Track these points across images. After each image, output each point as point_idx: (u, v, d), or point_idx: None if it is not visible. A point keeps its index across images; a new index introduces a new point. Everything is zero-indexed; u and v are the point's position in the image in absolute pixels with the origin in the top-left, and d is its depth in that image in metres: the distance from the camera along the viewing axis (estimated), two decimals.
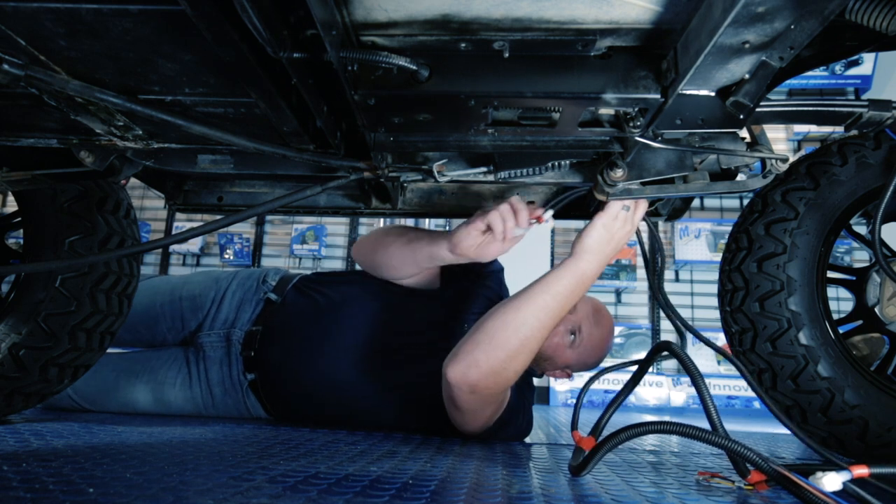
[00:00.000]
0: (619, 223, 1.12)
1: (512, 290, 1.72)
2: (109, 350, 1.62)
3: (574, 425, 1.07)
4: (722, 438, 0.73)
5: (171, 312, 1.69)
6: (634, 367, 1.06)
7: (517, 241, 1.19)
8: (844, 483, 0.64)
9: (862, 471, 0.64)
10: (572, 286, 1.13)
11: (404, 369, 1.46)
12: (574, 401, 4.01)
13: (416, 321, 1.51)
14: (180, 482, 0.66)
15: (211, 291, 1.70)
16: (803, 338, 1.11)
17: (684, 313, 4.37)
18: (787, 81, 1.31)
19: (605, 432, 0.91)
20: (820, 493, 0.61)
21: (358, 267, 1.70)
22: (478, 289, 1.58)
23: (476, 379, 1.13)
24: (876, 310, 1.23)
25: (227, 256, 4.64)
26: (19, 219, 1.24)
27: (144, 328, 1.70)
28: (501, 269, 1.70)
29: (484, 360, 1.12)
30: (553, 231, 4.42)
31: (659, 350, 0.99)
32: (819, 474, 0.64)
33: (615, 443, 0.82)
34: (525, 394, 1.44)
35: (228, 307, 1.66)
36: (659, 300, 1.16)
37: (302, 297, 1.62)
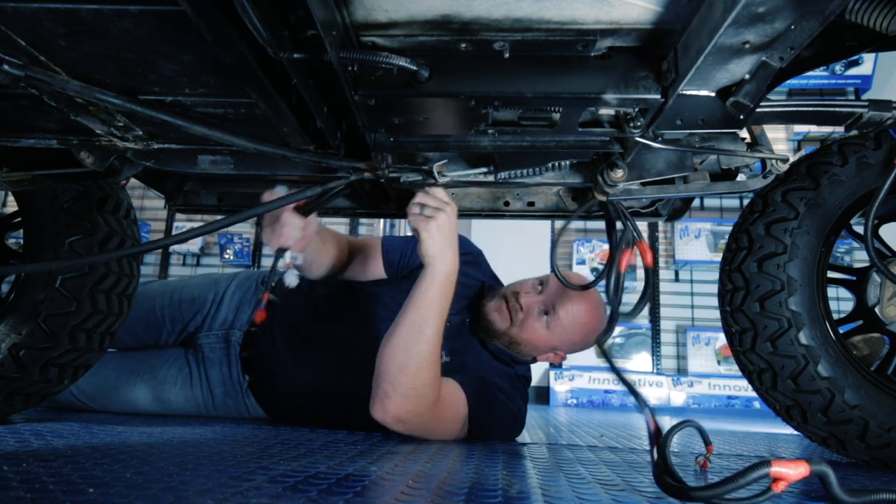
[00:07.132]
0: (440, 219, 1.14)
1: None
2: (111, 351, 1.63)
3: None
4: None
5: (170, 316, 1.69)
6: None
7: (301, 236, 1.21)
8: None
9: None
10: (438, 291, 1.18)
11: None
12: (574, 400, 4.02)
13: None
14: (180, 482, 0.66)
15: (210, 293, 1.71)
16: (803, 338, 1.11)
17: (684, 313, 4.40)
18: (788, 81, 1.31)
19: None
20: None
21: None
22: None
23: (395, 409, 1.17)
24: (876, 310, 1.23)
25: (227, 256, 4.64)
26: (19, 219, 1.24)
27: (144, 332, 1.70)
28: (478, 253, 1.73)
29: (392, 390, 1.16)
30: (552, 232, 4.42)
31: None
32: None
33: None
34: (499, 386, 1.39)
35: (227, 308, 1.67)
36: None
37: (299, 298, 1.62)
